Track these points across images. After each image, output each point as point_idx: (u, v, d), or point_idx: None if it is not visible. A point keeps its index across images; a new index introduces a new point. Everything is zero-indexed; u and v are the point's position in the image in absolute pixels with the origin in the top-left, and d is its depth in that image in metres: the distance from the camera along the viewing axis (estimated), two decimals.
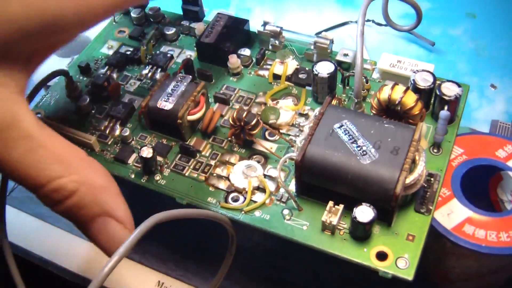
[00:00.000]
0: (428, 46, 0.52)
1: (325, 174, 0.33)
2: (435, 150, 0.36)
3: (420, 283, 0.40)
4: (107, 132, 0.39)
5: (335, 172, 0.32)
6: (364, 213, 0.32)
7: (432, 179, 0.35)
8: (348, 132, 0.33)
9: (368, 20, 0.53)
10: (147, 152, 0.36)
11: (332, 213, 0.33)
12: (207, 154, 0.37)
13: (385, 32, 0.53)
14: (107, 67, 0.43)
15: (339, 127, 0.34)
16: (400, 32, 0.52)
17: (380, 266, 0.32)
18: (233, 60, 0.40)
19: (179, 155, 0.37)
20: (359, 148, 0.33)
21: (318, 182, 0.33)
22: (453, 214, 0.35)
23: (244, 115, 0.36)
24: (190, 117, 0.37)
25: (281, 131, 0.38)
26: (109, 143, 0.39)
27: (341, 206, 0.33)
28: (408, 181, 0.33)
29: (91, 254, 0.43)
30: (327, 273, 0.41)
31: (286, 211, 0.34)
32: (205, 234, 0.42)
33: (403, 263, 0.32)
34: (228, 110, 0.40)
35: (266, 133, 0.38)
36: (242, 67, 0.41)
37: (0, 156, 0.28)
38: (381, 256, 0.32)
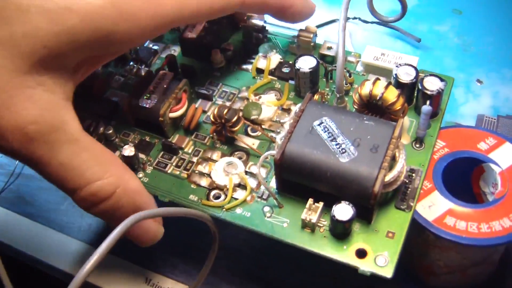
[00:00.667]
0: (415, 43, 0.52)
1: (305, 172, 0.33)
2: (417, 145, 0.36)
3: (406, 277, 0.41)
4: (91, 129, 0.39)
5: (314, 171, 0.32)
6: (343, 211, 0.32)
7: (413, 174, 0.35)
8: (328, 130, 0.33)
9: (355, 18, 0.54)
10: (129, 151, 0.36)
11: (312, 211, 0.33)
12: (190, 151, 0.38)
13: (371, 30, 0.53)
14: None
15: (319, 125, 0.34)
16: (387, 28, 0.52)
17: (359, 263, 0.32)
18: (216, 56, 0.40)
19: (162, 152, 0.38)
20: (338, 146, 0.33)
21: (298, 180, 0.34)
22: (434, 206, 0.35)
23: (224, 112, 0.36)
24: (172, 115, 0.37)
25: (263, 126, 0.38)
26: None
27: (321, 204, 0.33)
28: (387, 178, 0.33)
29: (81, 253, 0.44)
30: (315, 271, 0.42)
31: (267, 208, 0.34)
32: (193, 232, 0.43)
33: (383, 260, 0.32)
34: (211, 105, 0.39)
35: (249, 129, 0.38)
36: (225, 62, 0.41)
37: (45, 158, 0.31)
38: (361, 253, 0.33)
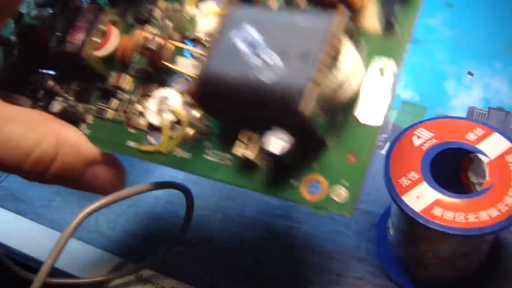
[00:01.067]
0: None
1: (225, 103, 0.26)
2: (388, 33, 0.28)
3: (399, 271, 0.40)
4: (39, 85, 0.35)
5: (235, 99, 0.26)
6: (275, 141, 0.25)
7: (383, 74, 0.27)
8: (249, 41, 0.26)
9: None
10: (57, 106, 0.32)
11: (249, 144, 0.27)
12: (131, 89, 0.32)
13: None
14: (37, 9, 0.38)
15: (239, 37, 0.26)
16: None
17: (311, 200, 0.26)
18: None
19: (100, 97, 0.33)
20: (261, 62, 0.26)
21: (223, 113, 0.27)
22: (422, 197, 0.35)
23: (148, 42, 0.30)
24: (99, 53, 0.32)
25: (204, 43, 0.31)
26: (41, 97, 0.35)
27: (256, 135, 0.27)
28: (328, 89, 0.25)
29: (72, 249, 0.42)
30: (308, 265, 0.40)
31: (207, 145, 0.29)
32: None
33: (341, 193, 0.26)
34: (151, 29, 0.33)
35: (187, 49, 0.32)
36: None
37: None
38: (314, 187, 0.26)
